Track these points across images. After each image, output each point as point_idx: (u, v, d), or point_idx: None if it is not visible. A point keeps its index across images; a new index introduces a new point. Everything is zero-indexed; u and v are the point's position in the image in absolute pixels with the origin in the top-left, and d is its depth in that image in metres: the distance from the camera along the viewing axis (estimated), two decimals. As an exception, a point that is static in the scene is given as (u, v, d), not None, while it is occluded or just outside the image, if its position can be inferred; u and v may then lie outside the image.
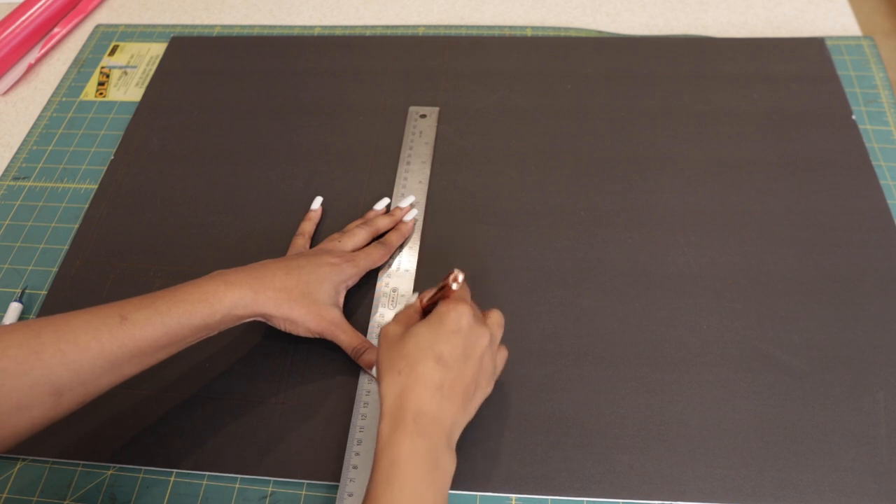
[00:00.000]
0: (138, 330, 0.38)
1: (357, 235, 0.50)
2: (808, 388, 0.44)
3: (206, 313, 0.39)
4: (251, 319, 0.43)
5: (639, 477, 0.42)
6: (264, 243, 0.54)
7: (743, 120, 0.58)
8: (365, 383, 0.46)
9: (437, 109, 0.61)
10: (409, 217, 0.53)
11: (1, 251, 0.56)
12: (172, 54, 0.69)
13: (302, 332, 0.44)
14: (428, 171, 0.57)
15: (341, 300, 0.47)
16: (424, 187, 0.56)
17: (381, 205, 0.54)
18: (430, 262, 0.52)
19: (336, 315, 0.45)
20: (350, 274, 0.47)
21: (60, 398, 0.36)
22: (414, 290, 0.50)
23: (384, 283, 0.50)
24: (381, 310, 0.49)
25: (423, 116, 0.60)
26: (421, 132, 0.59)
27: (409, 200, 0.54)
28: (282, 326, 0.44)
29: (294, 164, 0.59)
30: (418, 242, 0.53)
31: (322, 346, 0.47)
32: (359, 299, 0.50)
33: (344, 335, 0.45)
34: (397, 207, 0.54)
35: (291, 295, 0.43)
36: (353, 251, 0.49)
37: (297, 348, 0.48)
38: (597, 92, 0.61)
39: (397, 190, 0.56)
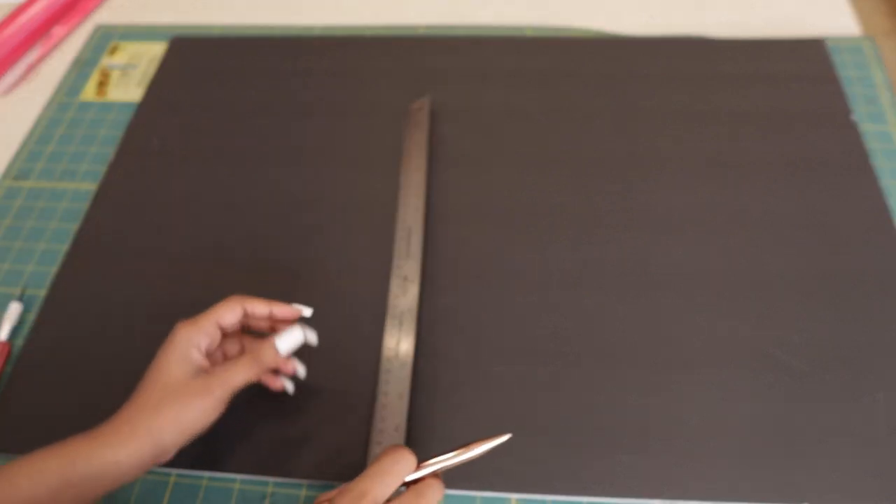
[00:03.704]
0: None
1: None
2: (808, 388, 0.44)
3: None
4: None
5: (639, 477, 0.42)
6: (264, 243, 0.54)
7: (743, 120, 0.58)
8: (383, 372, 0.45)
9: (427, 99, 0.61)
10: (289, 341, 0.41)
11: (1, 251, 0.56)
12: (173, 54, 0.69)
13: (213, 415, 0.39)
14: (424, 160, 0.56)
15: (198, 357, 0.40)
16: (423, 176, 0.55)
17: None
18: (430, 263, 0.52)
19: (210, 377, 0.38)
20: (199, 329, 0.40)
21: None
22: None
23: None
24: None
25: (419, 109, 0.60)
26: (416, 123, 0.59)
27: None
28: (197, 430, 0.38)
29: (294, 164, 0.59)
30: (420, 244, 0.52)
31: (323, 346, 0.47)
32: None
33: (239, 375, 0.39)
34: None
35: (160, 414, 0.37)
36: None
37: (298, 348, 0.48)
38: (597, 92, 0.61)
39: (403, 192, 0.55)
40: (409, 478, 0.34)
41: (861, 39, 0.65)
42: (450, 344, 0.47)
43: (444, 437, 0.44)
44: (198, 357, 0.39)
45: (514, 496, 0.42)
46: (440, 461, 0.35)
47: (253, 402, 0.46)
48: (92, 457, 0.35)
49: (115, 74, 0.69)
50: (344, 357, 0.47)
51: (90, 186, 0.59)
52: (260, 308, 0.42)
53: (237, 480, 0.43)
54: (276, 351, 0.40)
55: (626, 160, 0.56)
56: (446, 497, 0.42)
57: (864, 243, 0.50)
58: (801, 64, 0.62)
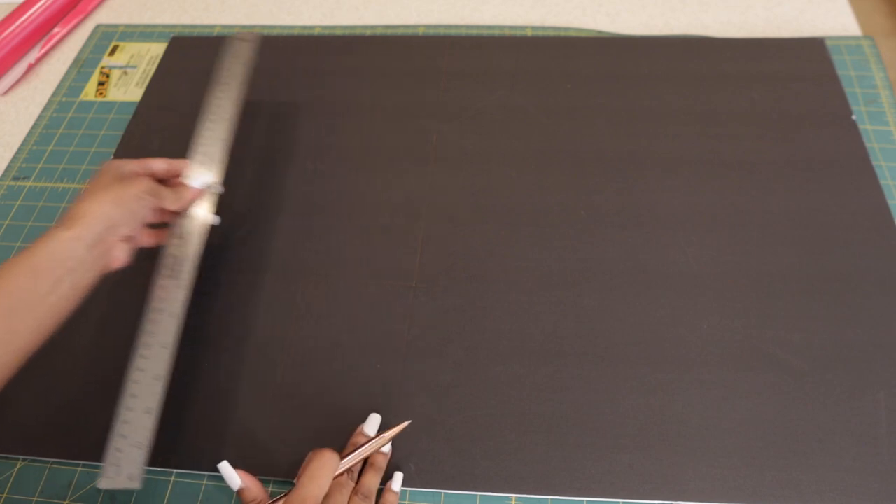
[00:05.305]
0: None
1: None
2: (808, 388, 0.44)
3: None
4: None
5: (639, 477, 0.42)
6: (263, 242, 0.54)
7: (743, 120, 0.58)
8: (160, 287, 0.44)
9: (256, 34, 0.58)
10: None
11: (1, 251, 0.56)
12: (172, 54, 0.69)
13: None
14: (237, 92, 0.54)
15: (129, 173, 0.45)
16: (234, 108, 0.53)
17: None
18: (430, 263, 0.52)
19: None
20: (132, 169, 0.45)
21: None
22: None
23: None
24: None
25: (243, 40, 0.57)
26: (235, 54, 0.56)
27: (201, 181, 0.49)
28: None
29: (293, 163, 0.59)
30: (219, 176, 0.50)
31: (323, 346, 0.47)
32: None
33: (165, 194, 0.45)
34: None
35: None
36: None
37: (297, 351, 0.48)
38: (597, 92, 0.61)
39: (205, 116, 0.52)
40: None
41: (861, 39, 0.65)
42: (449, 344, 0.47)
43: (445, 438, 0.43)
44: (129, 172, 0.44)
45: (514, 496, 0.42)
46: (356, 455, 0.40)
47: (254, 403, 0.46)
48: (51, 239, 0.38)
49: (115, 74, 0.69)
50: (353, 366, 0.47)
51: (90, 186, 0.59)
52: (178, 166, 0.48)
53: (237, 480, 0.43)
54: (190, 187, 0.47)
55: (626, 160, 0.56)
56: (448, 497, 0.42)
57: (864, 243, 0.50)
58: (801, 64, 0.62)
